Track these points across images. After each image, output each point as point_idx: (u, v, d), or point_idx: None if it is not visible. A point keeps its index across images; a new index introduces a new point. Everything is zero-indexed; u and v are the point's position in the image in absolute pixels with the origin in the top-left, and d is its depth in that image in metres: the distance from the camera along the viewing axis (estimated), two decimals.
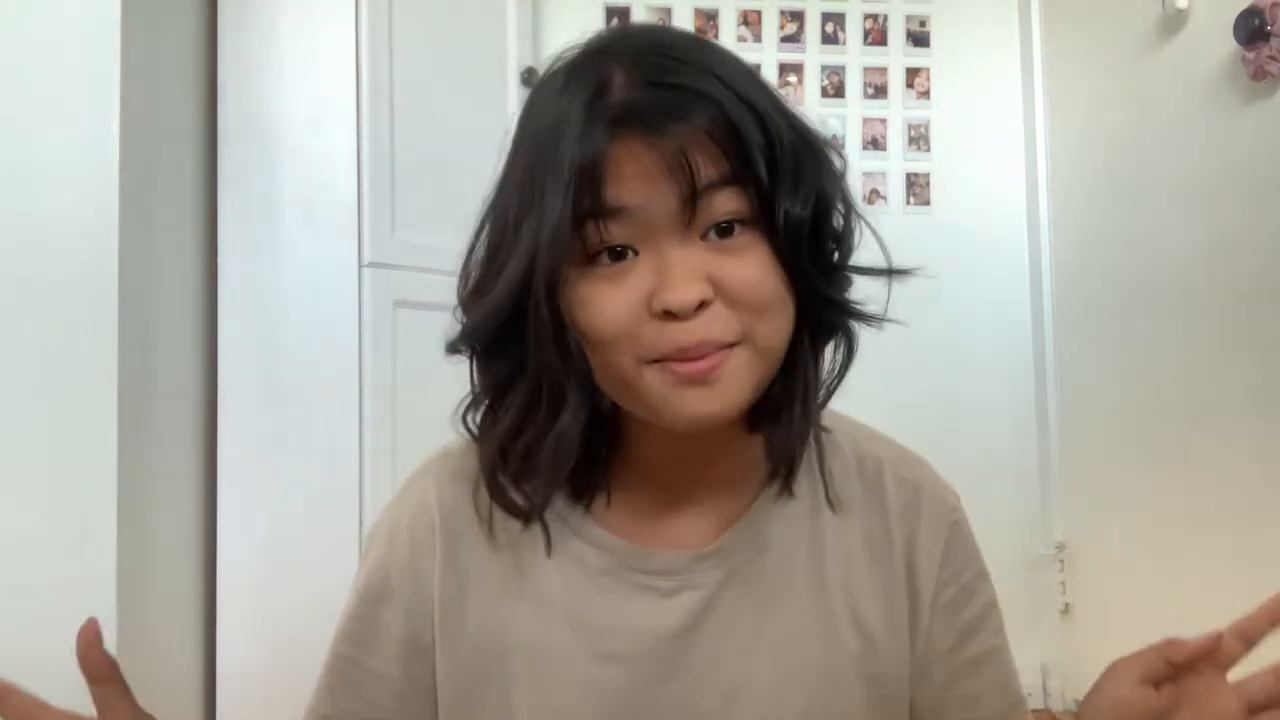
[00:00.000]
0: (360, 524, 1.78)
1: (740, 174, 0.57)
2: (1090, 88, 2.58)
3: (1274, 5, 1.96)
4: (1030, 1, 2.76)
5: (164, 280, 1.71)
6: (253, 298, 1.83)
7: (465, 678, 0.67)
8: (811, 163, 0.60)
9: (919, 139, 2.75)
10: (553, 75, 0.61)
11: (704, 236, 0.57)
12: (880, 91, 2.75)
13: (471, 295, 0.63)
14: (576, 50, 0.61)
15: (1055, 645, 2.63)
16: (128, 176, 1.53)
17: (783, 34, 2.72)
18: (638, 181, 0.56)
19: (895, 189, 2.74)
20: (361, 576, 0.70)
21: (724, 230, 0.58)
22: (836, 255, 0.63)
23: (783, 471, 0.66)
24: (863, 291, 0.65)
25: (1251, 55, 2.01)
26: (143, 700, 0.59)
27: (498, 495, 0.65)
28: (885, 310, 0.65)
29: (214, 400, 1.81)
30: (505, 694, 0.66)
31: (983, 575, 0.72)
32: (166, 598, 1.70)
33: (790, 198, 0.58)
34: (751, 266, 0.57)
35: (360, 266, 1.85)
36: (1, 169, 1.48)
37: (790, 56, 2.73)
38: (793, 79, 2.72)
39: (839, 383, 0.66)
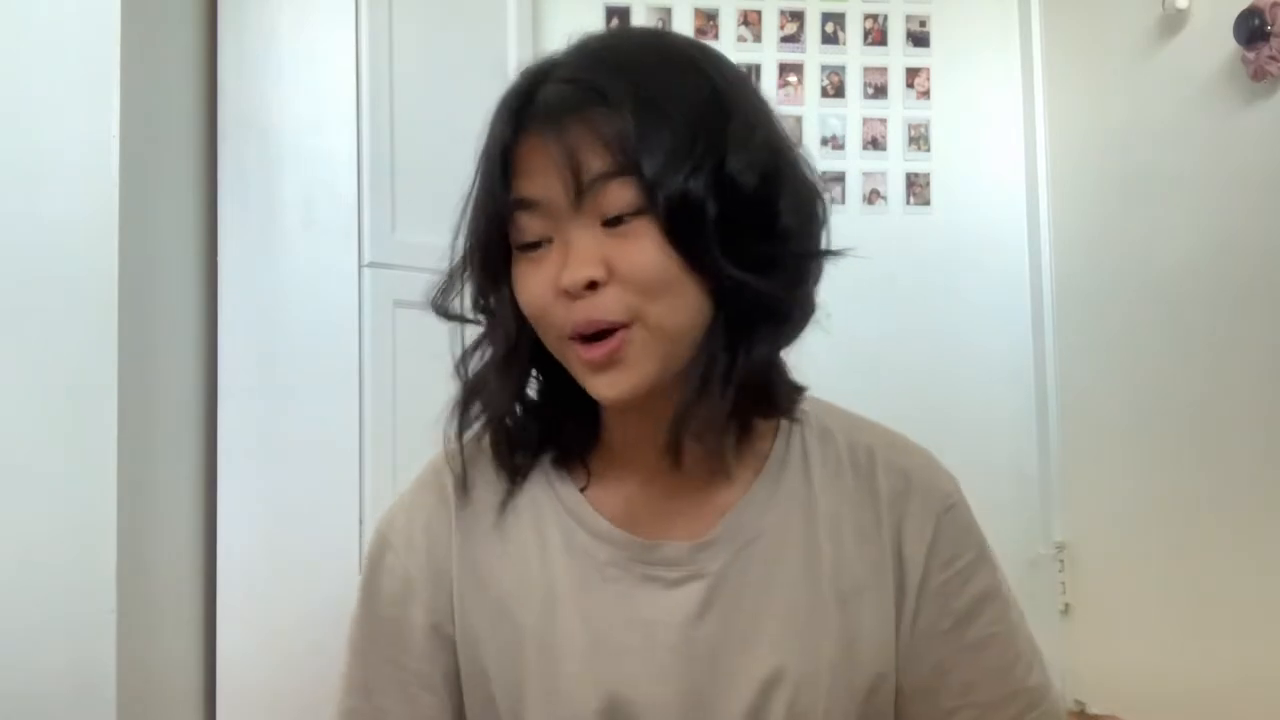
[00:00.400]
0: (360, 524, 1.78)
1: (626, 166, 0.61)
2: (1090, 88, 2.58)
3: (1274, 5, 1.97)
4: (1030, 1, 2.76)
5: (164, 280, 1.71)
6: (253, 298, 1.83)
7: (482, 668, 0.69)
8: (709, 142, 0.61)
9: (919, 139, 2.75)
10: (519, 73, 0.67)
11: (605, 223, 0.62)
12: (880, 91, 2.75)
13: (458, 265, 0.70)
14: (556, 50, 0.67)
15: (1055, 645, 2.63)
16: (128, 176, 1.53)
17: (783, 34, 2.72)
18: (538, 173, 0.63)
19: (895, 189, 2.74)
20: (380, 578, 0.72)
21: (615, 220, 0.62)
22: (770, 239, 0.64)
23: (672, 443, 0.65)
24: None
25: (1251, 55, 2.01)
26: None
27: (499, 450, 0.70)
28: (818, 295, 0.68)
29: (214, 400, 1.81)
30: (518, 683, 0.68)
31: (980, 562, 0.72)
32: (166, 598, 1.70)
33: (676, 181, 0.60)
34: (640, 251, 0.61)
35: (360, 266, 1.85)
36: (1, 169, 1.48)
37: (790, 56, 2.73)
38: (793, 79, 2.72)
39: (767, 357, 0.66)
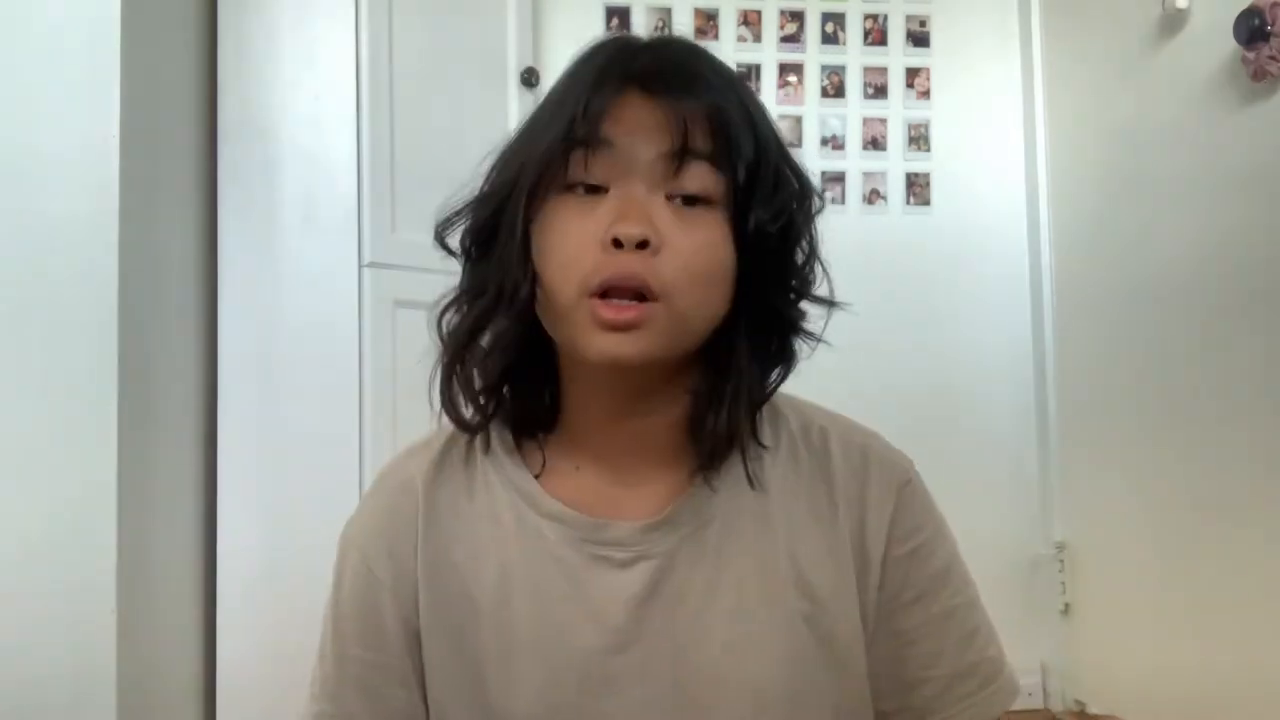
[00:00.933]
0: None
1: (722, 157, 0.64)
2: (1090, 88, 2.58)
3: (1274, 5, 1.97)
4: (1030, 1, 2.76)
5: (164, 280, 1.71)
6: (253, 298, 1.83)
7: (446, 652, 0.70)
8: (791, 188, 0.67)
9: (919, 139, 2.75)
10: (583, 49, 0.68)
11: (671, 198, 0.64)
12: (880, 91, 2.75)
13: (472, 202, 0.70)
14: (612, 34, 0.70)
15: (1055, 645, 2.63)
16: (128, 176, 1.53)
17: (783, 34, 2.72)
18: (631, 126, 0.63)
19: (895, 189, 2.74)
20: (345, 579, 0.73)
21: (689, 200, 0.64)
22: (794, 280, 0.69)
23: (703, 462, 0.68)
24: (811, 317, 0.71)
25: (1251, 55, 2.01)
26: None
27: (450, 408, 0.71)
28: (822, 334, 0.71)
29: (214, 400, 1.81)
30: (479, 665, 0.69)
31: (940, 536, 0.73)
32: (166, 598, 1.70)
33: (764, 206, 0.64)
34: (700, 238, 0.64)
35: (360, 266, 1.85)
36: (1, 169, 1.48)
37: (790, 56, 2.72)
38: (793, 79, 2.72)
39: (772, 392, 0.71)
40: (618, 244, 0.62)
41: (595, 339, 0.63)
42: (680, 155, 0.63)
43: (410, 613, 0.71)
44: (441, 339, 0.71)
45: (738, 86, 0.67)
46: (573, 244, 0.63)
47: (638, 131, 0.63)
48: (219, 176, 1.85)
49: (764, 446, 0.71)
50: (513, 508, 0.71)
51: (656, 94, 0.63)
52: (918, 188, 2.74)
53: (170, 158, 1.76)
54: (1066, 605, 2.62)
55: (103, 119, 1.51)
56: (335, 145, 1.87)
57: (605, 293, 0.62)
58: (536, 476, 0.72)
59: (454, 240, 0.71)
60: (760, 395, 0.69)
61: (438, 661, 0.70)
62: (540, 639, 0.68)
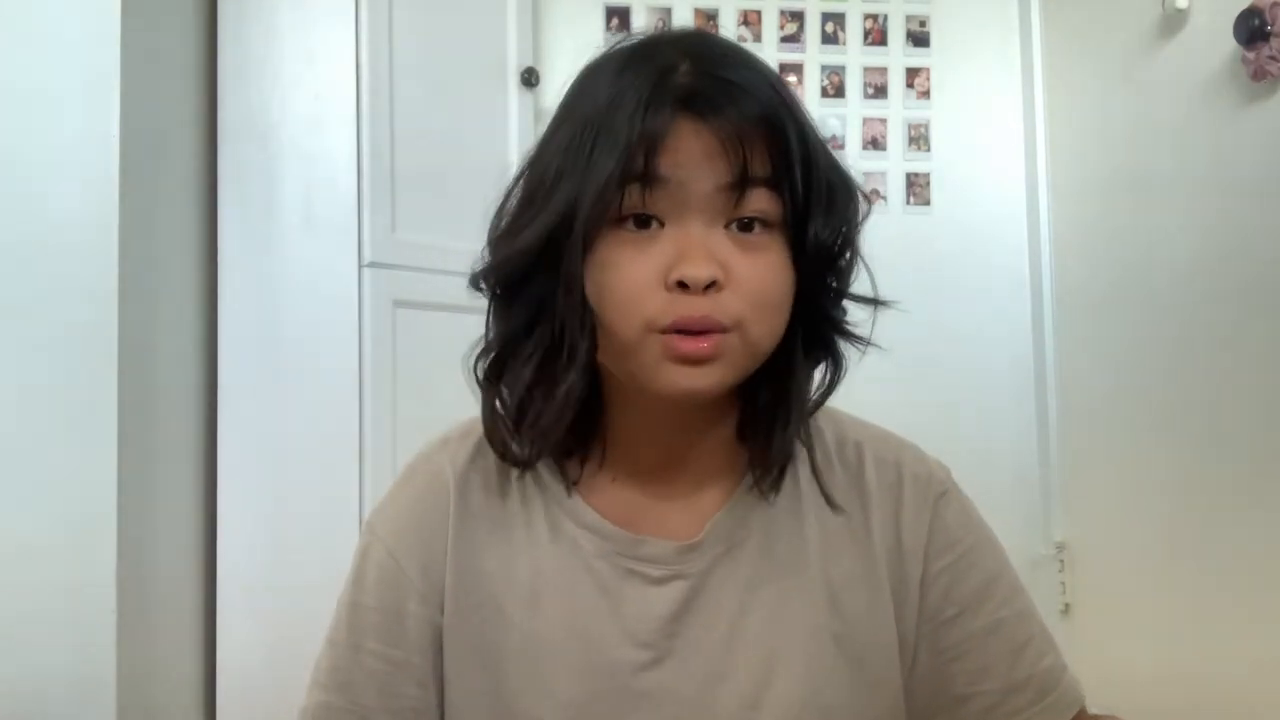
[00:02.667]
0: (360, 524, 1.78)
1: (780, 178, 0.61)
2: (1090, 88, 2.58)
3: (1274, 5, 1.96)
4: (1030, 1, 2.76)
5: (164, 280, 1.71)
6: (253, 298, 1.83)
7: (467, 655, 0.69)
8: (843, 194, 0.65)
9: (919, 139, 2.75)
10: (607, 60, 0.65)
11: (727, 226, 0.62)
12: (880, 91, 2.75)
13: (503, 237, 0.66)
14: (633, 40, 0.66)
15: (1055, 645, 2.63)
16: (128, 176, 1.53)
17: (783, 34, 2.72)
18: (689, 157, 0.60)
19: (895, 189, 2.74)
20: (369, 571, 0.71)
21: (746, 226, 0.62)
22: (839, 282, 0.68)
23: (772, 476, 0.68)
24: (852, 315, 0.70)
25: (1251, 55, 2.01)
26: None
27: (497, 444, 0.68)
28: (871, 335, 0.70)
29: (214, 400, 1.81)
30: (503, 673, 0.68)
31: (984, 546, 0.72)
32: (166, 598, 1.70)
33: (822, 219, 0.63)
34: (764, 265, 0.62)
35: (360, 266, 1.85)
36: (1, 169, 1.48)
37: (790, 56, 2.72)
38: (793, 79, 2.72)
39: (824, 399, 0.70)
40: (682, 286, 0.60)
41: (667, 373, 0.61)
42: (741, 185, 0.60)
43: (435, 614, 0.69)
44: (479, 382, 0.68)
45: (781, 90, 0.63)
46: (631, 284, 0.61)
47: (693, 164, 0.60)
48: (219, 176, 1.84)
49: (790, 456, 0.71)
50: (547, 515, 0.70)
51: (707, 117, 0.60)
52: (918, 188, 2.74)
53: (170, 158, 1.76)
54: (1066, 605, 2.62)
55: (103, 119, 1.51)
56: (335, 145, 1.86)
57: (676, 330, 0.61)
58: (575, 484, 0.70)
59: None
60: (812, 404, 0.69)
61: (459, 666, 0.69)
62: (570, 650, 0.67)
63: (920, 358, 2.66)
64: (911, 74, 2.75)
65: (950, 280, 2.73)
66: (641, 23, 2.65)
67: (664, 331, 0.60)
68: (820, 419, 0.73)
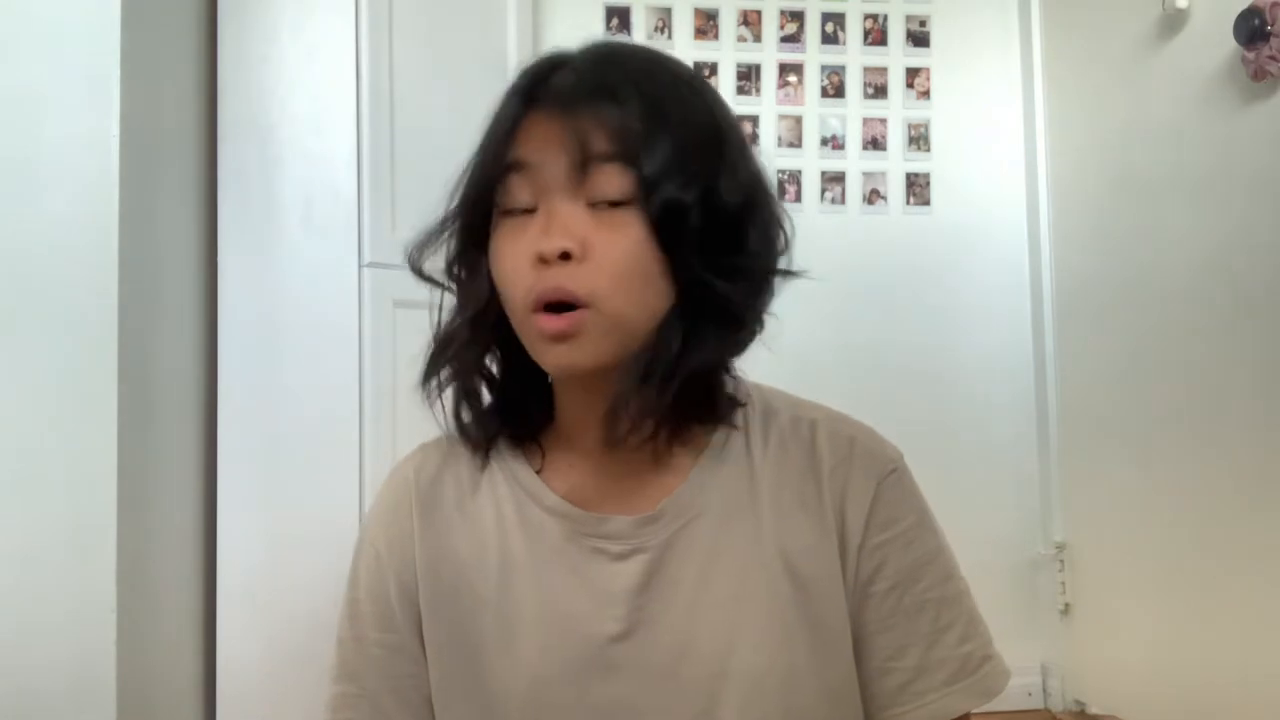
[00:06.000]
0: (360, 524, 1.78)
1: (627, 156, 0.65)
2: (1090, 88, 2.59)
3: (1274, 5, 1.97)
4: (1030, 1, 2.76)
5: (164, 280, 1.71)
6: (253, 298, 1.83)
7: (446, 638, 0.73)
8: (708, 158, 0.68)
9: (919, 139, 2.75)
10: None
11: (593, 204, 0.66)
12: (880, 91, 2.75)
13: (434, 234, 0.76)
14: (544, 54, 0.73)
15: (1055, 645, 2.63)
16: (128, 176, 1.53)
17: (783, 34, 2.72)
18: (539, 143, 0.67)
19: (895, 189, 2.74)
20: (361, 564, 0.77)
21: (616, 205, 0.66)
22: (733, 253, 0.68)
23: (630, 429, 0.68)
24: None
25: (1251, 55, 2.01)
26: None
27: (458, 426, 0.75)
28: (771, 306, 0.72)
29: (214, 400, 1.81)
30: (479, 652, 0.72)
31: (921, 529, 0.73)
32: (166, 598, 1.70)
33: (673, 185, 0.65)
34: (624, 238, 0.66)
35: (360, 266, 1.85)
36: (1, 168, 1.48)
37: (790, 56, 2.73)
38: (793, 79, 2.72)
39: (720, 357, 0.71)
40: (544, 260, 0.65)
41: (544, 351, 0.68)
42: (583, 164, 0.65)
43: (414, 598, 0.74)
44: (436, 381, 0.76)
45: (652, 77, 0.69)
46: (510, 264, 0.68)
47: (546, 148, 0.67)
48: (219, 176, 1.84)
49: (735, 427, 0.73)
50: (514, 501, 0.74)
51: (557, 110, 0.67)
52: (918, 188, 2.74)
53: (170, 158, 1.76)
54: (1066, 605, 2.63)
55: (103, 119, 1.51)
56: (335, 145, 1.87)
57: (545, 306, 0.66)
58: (538, 472, 0.75)
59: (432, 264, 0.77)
60: (693, 368, 0.68)
61: (438, 647, 0.73)
62: (542, 627, 0.70)
63: (920, 357, 2.66)
64: (911, 74, 2.75)
65: (950, 280, 2.73)
66: (641, 23, 2.65)
67: (535, 310, 0.66)
68: (777, 401, 0.76)
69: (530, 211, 0.68)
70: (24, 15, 1.50)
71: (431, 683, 0.73)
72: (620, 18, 2.64)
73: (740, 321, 0.70)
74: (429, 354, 0.75)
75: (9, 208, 1.48)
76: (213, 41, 1.86)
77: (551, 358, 0.67)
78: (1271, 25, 1.97)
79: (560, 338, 0.66)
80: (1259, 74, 2.00)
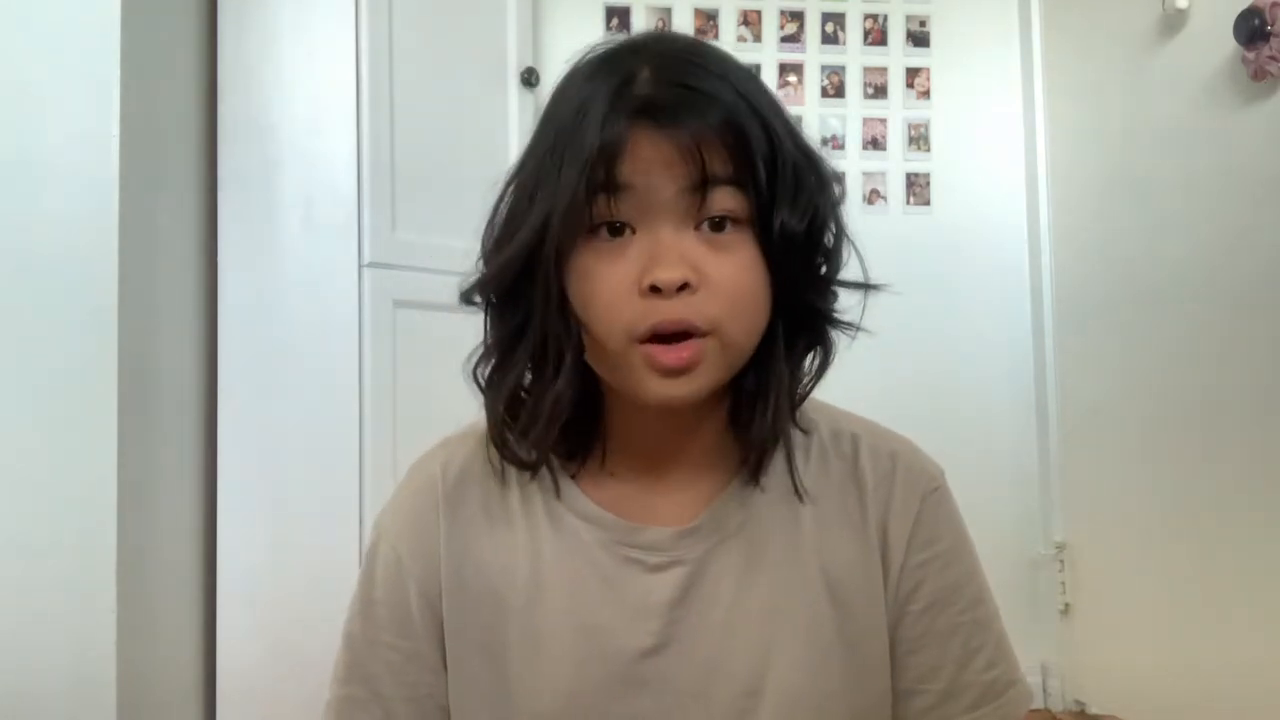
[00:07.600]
0: (360, 524, 1.78)
1: (743, 176, 0.62)
2: (1090, 88, 2.58)
3: (1274, 5, 1.97)
4: (1030, 2, 2.76)
5: (164, 280, 1.71)
6: (253, 297, 1.83)
7: (467, 646, 0.70)
8: (812, 180, 0.65)
9: (919, 139, 2.75)
10: (583, 65, 0.66)
11: (698, 228, 0.62)
12: (880, 91, 2.75)
13: (492, 250, 0.67)
14: (607, 45, 0.66)
15: (1055, 645, 2.63)
16: (128, 176, 1.53)
17: (783, 34, 2.72)
18: (648, 164, 0.61)
19: (895, 189, 2.74)
20: (376, 566, 0.73)
21: (717, 225, 0.62)
22: (825, 269, 0.67)
23: (752, 463, 0.69)
24: (843, 301, 0.70)
25: (1251, 55, 2.01)
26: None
27: (503, 447, 0.69)
28: (860, 320, 0.70)
29: (214, 400, 1.81)
30: (504, 663, 0.69)
31: (959, 550, 0.72)
32: (166, 598, 1.70)
33: (788, 209, 0.63)
34: (736, 264, 0.62)
35: (360, 266, 1.85)
36: (1, 168, 1.48)
37: (790, 56, 2.73)
38: (793, 79, 2.72)
39: (813, 386, 0.70)
40: (656, 290, 0.61)
41: (651, 384, 0.63)
42: (702, 187, 0.61)
43: (437, 606, 0.71)
44: (479, 387, 0.70)
45: (744, 85, 0.63)
46: (608, 292, 0.62)
47: (655, 170, 0.61)
48: (219, 176, 1.84)
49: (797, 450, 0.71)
50: (547, 508, 0.71)
51: (665, 125, 0.61)
52: (918, 188, 2.74)
53: (170, 158, 1.76)
54: (1066, 605, 2.63)
55: (103, 119, 1.51)
56: (335, 145, 1.87)
57: (654, 337, 0.61)
58: (573, 477, 0.72)
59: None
60: (799, 391, 0.68)
61: (460, 656, 0.70)
62: (572, 639, 0.68)
63: (920, 357, 2.66)
64: (911, 74, 2.75)
65: (950, 280, 2.73)
66: (641, 23, 2.65)
67: (644, 341, 0.61)
68: (816, 413, 0.74)
69: (620, 231, 0.62)
70: (24, 15, 1.50)
71: (450, 693, 0.71)
72: (620, 18, 2.64)
73: (833, 341, 0.69)
74: (504, 400, 0.67)
75: (9, 207, 1.49)
76: (213, 41, 1.86)
77: (663, 390, 0.62)
78: (1271, 25, 1.97)
79: (679, 371, 0.62)
80: (1259, 74, 2.00)
